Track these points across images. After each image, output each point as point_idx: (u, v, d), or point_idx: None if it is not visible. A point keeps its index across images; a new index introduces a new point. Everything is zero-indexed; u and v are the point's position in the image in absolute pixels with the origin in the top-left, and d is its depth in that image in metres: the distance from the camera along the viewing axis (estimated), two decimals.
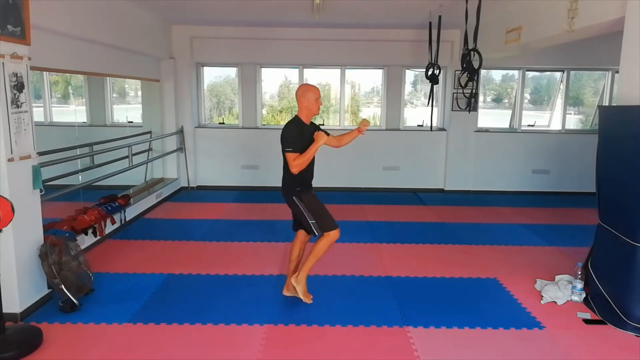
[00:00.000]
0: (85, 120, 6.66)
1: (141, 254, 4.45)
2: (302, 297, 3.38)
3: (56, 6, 3.94)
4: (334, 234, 3.26)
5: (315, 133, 3.24)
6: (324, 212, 3.30)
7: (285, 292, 3.52)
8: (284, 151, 3.20)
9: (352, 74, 7.73)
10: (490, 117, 7.87)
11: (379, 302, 3.49)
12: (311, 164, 3.33)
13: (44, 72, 5.59)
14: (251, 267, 4.11)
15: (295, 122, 3.28)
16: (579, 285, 3.53)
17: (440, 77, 6.23)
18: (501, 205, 6.62)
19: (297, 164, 3.15)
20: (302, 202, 3.27)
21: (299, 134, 3.21)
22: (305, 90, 3.28)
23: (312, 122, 3.39)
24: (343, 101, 7.54)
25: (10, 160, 3.00)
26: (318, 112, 3.35)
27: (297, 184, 3.28)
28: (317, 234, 3.28)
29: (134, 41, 5.64)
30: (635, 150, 2.96)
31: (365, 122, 3.40)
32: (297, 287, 3.36)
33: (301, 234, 3.51)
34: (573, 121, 7.97)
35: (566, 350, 2.86)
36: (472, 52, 4.99)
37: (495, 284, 3.84)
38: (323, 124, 7.55)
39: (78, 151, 4.92)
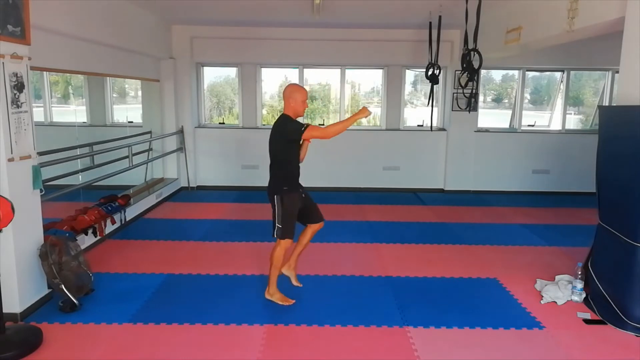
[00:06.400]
0: (85, 120, 6.66)
1: (141, 254, 4.45)
2: (282, 304, 3.39)
3: (56, 6, 3.94)
4: (285, 243, 3.34)
5: (362, 108, 3.20)
6: (291, 222, 3.33)
7: (285, 271, 3.59)
8: (299, 136, 3.14)
9: (352, 74, 7.73)
10: (490, 117, 7.88)
11: (379, 302, 3.49)
12: (297, 161, 3.35)
13: (44, 72, 5.59)
14: (251, 267, 4.11)
15: (288, 116, 3.28)
16: (579, 285, 3.53)
17: (440, 77, 6.23)
18: (501, 205, 6.62)
19: (333, 130, 3.12)
20: (282, 204, 3.27)
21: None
22: (294, 91, 3.29)
23: None
24: (343, 101, 7.54)
25: (10, 160, 3.00)
26: (303, 113, 3.37)
27: (285, 183, 3.29)
28: (275, 236, 3.35)
29: (134, 41, 5.64)
30: (635, 151, 2.96)
31: (365, 110, 3.21)
32: (272, 298, 3.41)
33: (313, 226, 3.52)
34: (573, 121, 7.97)
35: (566, 350, 2.86)
36: (472, 52, 4.99)
37: (495, 284, 3.84)
38: (323, 124, 7.56)
39: (78, 151, 4.92)
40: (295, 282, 3.68)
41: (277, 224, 3.31)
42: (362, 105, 3.40)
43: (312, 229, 3.54)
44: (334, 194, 7.09)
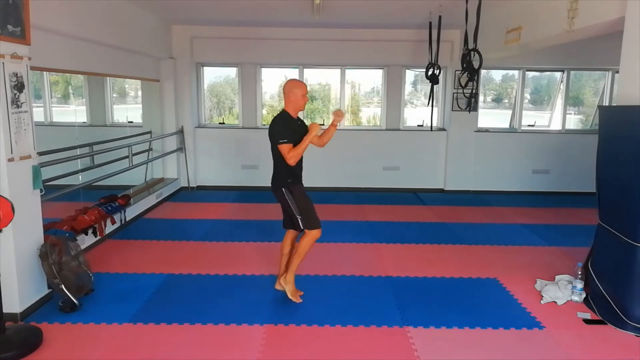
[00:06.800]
0: (85, 120, 6.66)
1: (141, 254, 4.45)
2: (290, 298, 3.41)
3: (56, 6, 3.94)
4: (316, 233, 3.33)
5: (311, 124, 3.32)
6: (311, 210, 3.34)
7: (277, 287, 3.57)
8: (276, 144, 3.23)
9: (352, 74, 7.73)
10: (490, 117, 7.87)
11: (379, 302, 3.48)
12: (301, 157, 3.37)
13: (44, 72, 5.59)
14: (251, 267, 4.11)
15: (284, 116, 3.33)
16: (579, 285, 3.53)
17: (440, 77, 6.23)
18: (501, 205, 6.61)
19: (293, 155, 3.20)
20: (292, 195, 3.31)
21: (289, 127, 3.28)
22: (293, 86, 3.33)
23: (297, 117, 3.43)
24: (343, 101, 7.54)
25: (11, 160, 3.00)
26: (304, 107, 3.42)
27: (288, 176, 3.32)
28: (301, 228, 3.33)
29: (134, 41, 5.65)
30: (635, 151, 2.96)
31: (339, 112, 3.34)
32: (286, 287, 3.42)
33: (291, 232, 3.55)
34: (573, 121, 7.97)
35: (566, 350, 2.86)
36: (472, 52, 4.99)
37: (495, 284, 3.84)
38: (323, 124, 7.55)
39: (78, 151, 4.92)
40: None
41: (297, 216, 3.31)
42: (312, 123, 3.46)
43: (291, 235, 3.57)
44: (334, 194, 7.09)
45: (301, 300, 3.43)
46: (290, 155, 3.19)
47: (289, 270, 3.43)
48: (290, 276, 3.43)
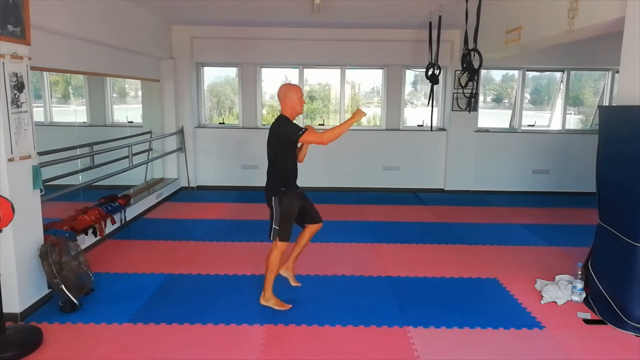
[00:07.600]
0: (85, 120, 6.66)
1: (141, 254, 4.45)
2: (278, 309, 3.33)
3: (56, 6, 3.94)
4: (282, 245, 3.30)
5: (356, 110, 3.19)
6: (289, 224, 3.31)
7: (283, 272, 3.64)
8: (295, 140, 3.14)
9: (352, 74, 7.73)
10: (490, 117, 7.88)
11: (379, 302, 3.48)
12: (295, 162, 3.35)
13: (44, 72, 5.60)
14: (251, 267, 4.11)
15: (285, 118, 3.27)
16: (579, 285, 3.53)
17: (440, 77, 6.23)
18: (501, 205, 6.61)
19: (329, 135, 3.11)
20: (280, 205, 3.24)
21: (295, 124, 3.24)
22: (288, 90, 3.28)
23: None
24: (343, 101, 7.54)
25: (11, 160, 3.00)
26: (302, 111, 3.35)
27: (282, 183, 3.26)
28: (271, 238, 3.31)
29: (134, 41, 5.65)
30: (636, 151, 2.96)
31: (360, 112, 3.19)
32: (268, 304, 3.35)
33: (309, 228, 3.53)
34: (573, 121, 7.97)
35: (566, 350, 2.86)
36: (472, 52, 4.99)
37: (495, 284, 3.84)
38: (323, 124, 7.57)
39: (78, 151, 4.93)
40: (293, 283, 3.70)
41: (274, 225, 3.28)
42: (357, 107, 3.35)
43: (311, 230, 3.54)
44: (334, 194, 7.09)
45: (290, 306, 3.35)
46: (327, 136, 3.09)
47: (265, 287, 3.36)
48: (268, 293, 3.35)
